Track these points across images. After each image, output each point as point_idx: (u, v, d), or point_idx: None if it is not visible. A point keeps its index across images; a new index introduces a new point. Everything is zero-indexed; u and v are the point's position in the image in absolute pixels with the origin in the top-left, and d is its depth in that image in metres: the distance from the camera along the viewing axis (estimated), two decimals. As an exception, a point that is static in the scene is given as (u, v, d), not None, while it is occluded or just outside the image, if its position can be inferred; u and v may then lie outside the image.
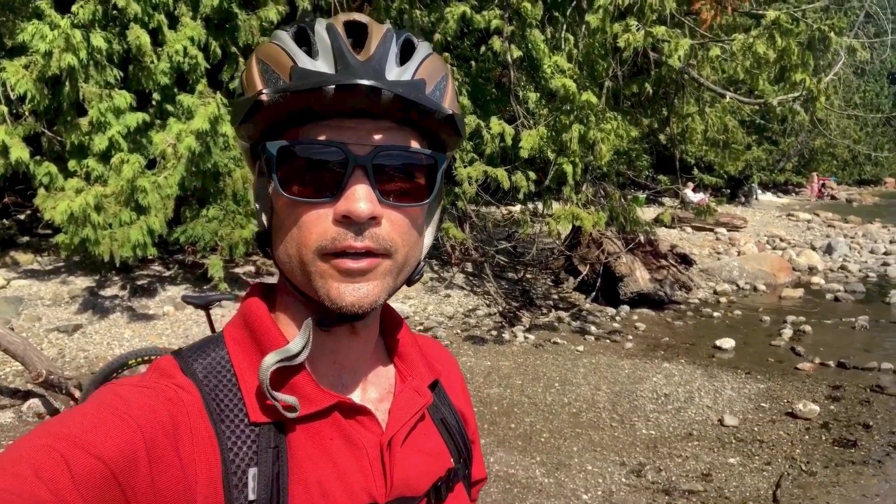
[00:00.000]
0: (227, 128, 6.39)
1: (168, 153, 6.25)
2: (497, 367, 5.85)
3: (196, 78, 6.81)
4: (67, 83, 6.00)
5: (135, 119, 6.36)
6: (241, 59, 7.57)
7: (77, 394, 3.82)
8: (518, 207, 8.23)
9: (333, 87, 0.59)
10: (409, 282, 0.74)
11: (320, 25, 0.65)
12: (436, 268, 8.81)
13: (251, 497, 0.62)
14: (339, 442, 0.69)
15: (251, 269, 7.84)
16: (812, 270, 10.99)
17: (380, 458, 0.70)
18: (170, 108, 6.78)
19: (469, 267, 8.46)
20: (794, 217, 16.54)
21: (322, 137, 0.63)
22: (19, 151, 5.87)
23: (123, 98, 6.30)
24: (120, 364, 3.47)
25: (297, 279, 0.66)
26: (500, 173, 7.09)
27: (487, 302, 7.75)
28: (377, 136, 0.64)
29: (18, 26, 5.90)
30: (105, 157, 6.21)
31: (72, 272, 6.97)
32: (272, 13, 7.75)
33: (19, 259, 7.15)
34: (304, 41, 0.64)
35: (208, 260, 6.58)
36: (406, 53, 0.66)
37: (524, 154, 6.99)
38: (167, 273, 7.30)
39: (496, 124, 7.04)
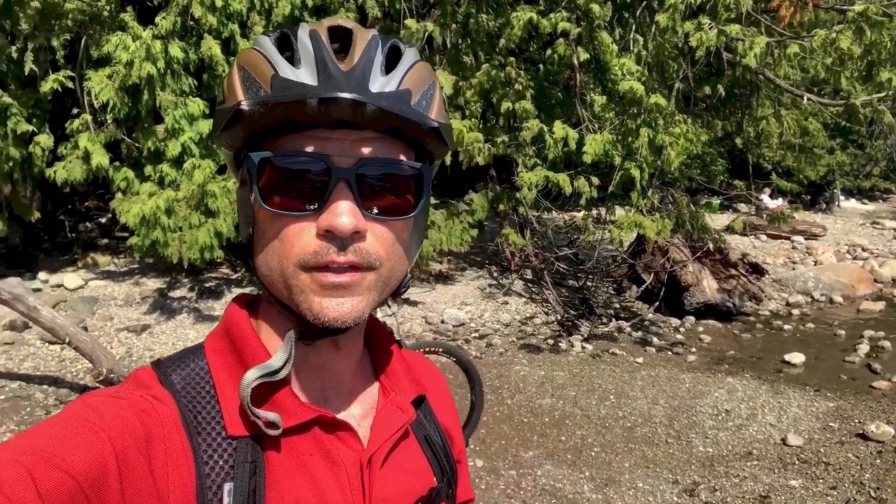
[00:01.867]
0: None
1: (236, 159, 6.48)
2: (551, 377, 5.77)
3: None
4: (146, 91, 6.30)
5: (207, 125, 6.60)
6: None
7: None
8: (581, 213, 8.10)
9: (320, 99, 0.58)
10: (395, 294, 0.73)
11: (303, 31, 0.63)
12: (495, 274, 8.78)
13: None
14: (319, 458, 0.67)
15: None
16: (896, 282, 10.34)
17: (359, 476, 0.69)
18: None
19: (528, 274, 8.38)
20: (880, 225, 15.60)
21: (305, 149, 0.62)
22: (100, 157, 6.20)
23: (197, 105, 6.55)
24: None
25: (279, 292, 0.65)
26: (562, 178, 7.00)
27: (546, 310, 7.66)
28: (362, 149, 0.62)
29: (104, 38, 6.25)
30: (178, 162, 6.47)
31: (145, 274, 7.32)
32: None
33: (98, 260, 7.56)
34: (287, 48, 0.63)
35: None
36: (392, 61, 0.64)
37: (588, 159, 6.90)
38: (234, 276, 7.56)
39: (559, 128, 6.97)
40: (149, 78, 6.11)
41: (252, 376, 0.62)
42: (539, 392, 5.43)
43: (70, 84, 6.11)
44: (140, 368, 0.67)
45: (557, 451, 4.45)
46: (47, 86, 5.90)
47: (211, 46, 6.50)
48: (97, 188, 8.11)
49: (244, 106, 0.60)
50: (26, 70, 5.83)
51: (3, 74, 5.93)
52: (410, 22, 7.95)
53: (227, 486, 0.61)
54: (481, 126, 8.28)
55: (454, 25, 7.94)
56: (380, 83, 0.61)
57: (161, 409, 0.61)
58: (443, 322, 7.04)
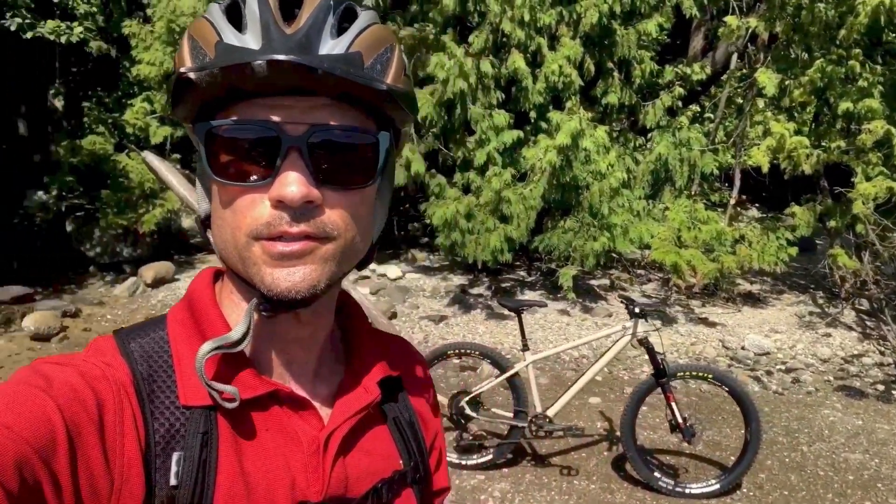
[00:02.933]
0: (588, 142, 6.57)
1: (536, 167, 6.71)
2: (870, 428, 4.76)
3: (568, 95, 7.14)
4: (459, 105, 6.91)
5: (511, 136, 6.97)
6: (615, 74, 7.68)
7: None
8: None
9: (258, 63, 0.56)
10: (360, 266, 0.71)
11: None
12: (820, 301, 7.56)
13: (173, 482, 0.60)
14: (275, 433, 0.66)
15: (605, 282, 7.88)
16: None
17: (318, 454, 0.67)
18: (543, 125, 7.25)
19: (864, 304, 7.03)
20: None
21: (254, 117, 0.60)
22: (418, 165, 6.99)
23: (502, 117, 6.96)
24: (439, 353, 3.90)
25: (234, 264, 0.64)
26: (912, 191, 5.74)
27: (882, 349, 6.34)
28: (313, 115, 0.60)
29: (427, 60, 7.04)
30: (483, 170, 6.97)
31: (452, 271, 8.02)
32: (651, 26, 7.67)
33: (416, 256, 8.52)
34: (236, 15, 0.61)
35: (560, 270, 6.85)
36: (345, 24, 0.62)
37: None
38: (529, 279, 7.83)
39: (914, 130, 5.73)
40: (461, 93, 6.69)
41: (207, 348, 0.62)
42: (848, 444, 4.53)
43: (398, 101, 7.00)
44: (100, 336, 0.68)
45: (856, 518, 3.66)
46: (379, 104, 6.84)
47: (516, 60, 6.84)
48: (417, 192, 9.15)
49: (186, 73, 0.59)
50: (365, 91, 6.84)
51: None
52: (731, 19, 7.31)
53: (176, 455, 0.61)
54: (811, 129, 7.22)
55: (784, 19, 7.07)
56: (328, 46, 0.59)
57: (113, 375, 0.61)
58: (743, 349, 6.32)
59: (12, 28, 5.76)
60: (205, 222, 0.70)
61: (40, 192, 8.48)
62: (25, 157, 9.73)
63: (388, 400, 0.77)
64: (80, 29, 6.45)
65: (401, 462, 0.75)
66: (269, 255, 0.60)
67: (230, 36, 0.59)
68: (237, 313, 0.69)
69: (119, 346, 0.65)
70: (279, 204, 0.59)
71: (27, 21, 5.82)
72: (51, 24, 6.00)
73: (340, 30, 0.61)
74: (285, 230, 0.59)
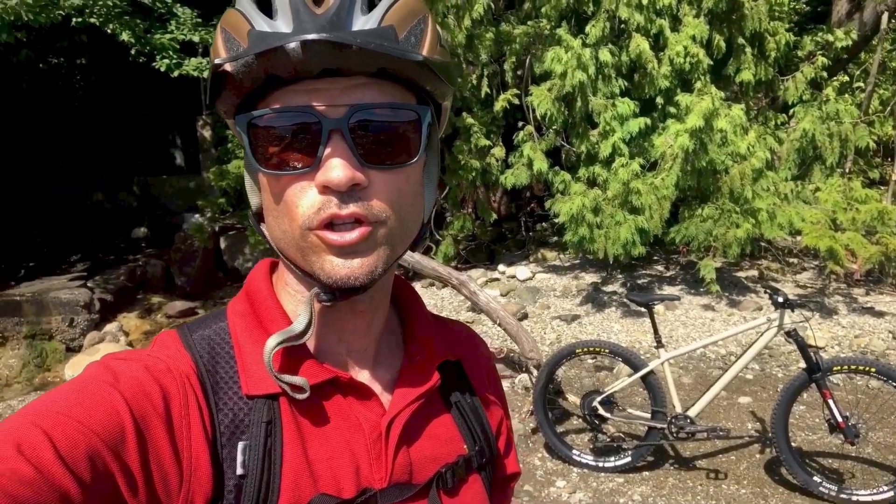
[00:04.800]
0: (722, 123, 6.16)
1: (666, 154, 6.39)
2: None
3: (696, 76, 6.74)
4: (579, 98, 6.73)
5: (636, 125, 6.68)
6: (747, 50, 7.15)
7: (535, 372, 4.32)
8: None
9: (290, 45, 0.55)
10: (413, 248, 0.70)
11: None
12: None
13: (239, 471, 0.61)
14: (338, 421, 0.67)
15: (754, 273, 7.33)
16: None
17: (381, 440, 0.68)
18: (671, 109, 6.89)
19: None
20: None
21: (291, 103, 0.60)
22: (540, 163, 6.89)
23: (626, 106, 6.70)
24: (568, 352, 3.78)
25: (292, 255, 0.64)
26: None
27: None
28: (351, 95, 0.60)
29: (543, 56, 6.93)
30: (609, 162, 6.73)
31: (584, 269, 7.82)
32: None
33: (546, 256, 8.40)
34: (266, 2, 0.60)
35: (700, 262, 6.46)
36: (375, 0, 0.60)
37: None
38: (667, 273, 7.46)
39: None
40: (580, 85, 6.51)
41: (274, 342, 0.63)
42: None
43: (516, 101, 6.95)
44: (164, 331, 0.70)
45: None
46: (499, 105, 6.83)
47: (639, 44, 6.56)
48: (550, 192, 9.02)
49: (222, 65, 0.59)
50: (482, 93, 6.86)
51: (467, 99, 7.10)
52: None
53: (241, 444, 0.62)
54: None
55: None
56: (360, 22, 0.58)
57: (178, 368, 0.63)
58: (919, 339, 5.62)
59: (162, 69, 6.36)
60: (257, 215, 0.71)
61: (196, 216, 9.29)
62: (183, 184, 10.73)
63: (449, 386, 0.77)
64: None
65: (465, 447, 0.75)
66: (326, 244, 0.60)
67: (261, 23, 0.58)
68: (294, 303, 0.70)
69: (182, 339, 0.67)
70: (326, 189, 0.59)
71: (174, 61, 6.40)
72: (193, 62, 6.56)
73: (371, 5, 0.59)
74: (335, 213, 0.59)
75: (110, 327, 7.42)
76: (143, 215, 10.57)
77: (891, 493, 3.28)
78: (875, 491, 3.32)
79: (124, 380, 0.58)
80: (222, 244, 9.38)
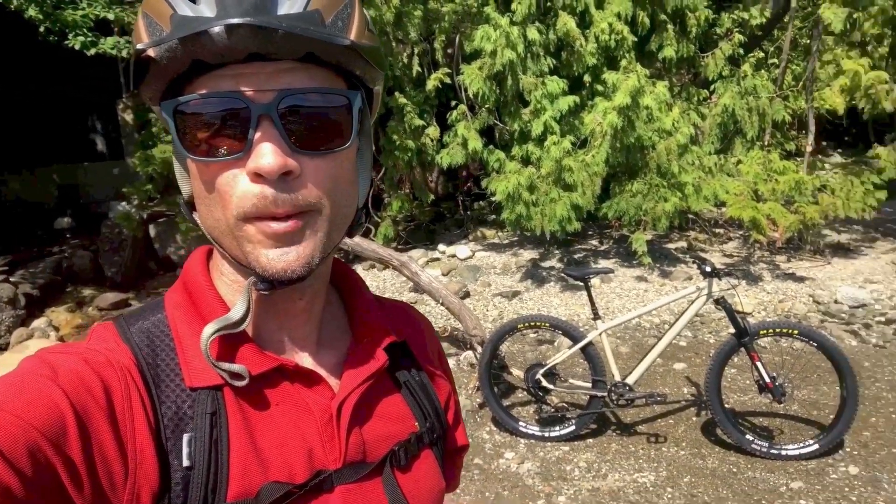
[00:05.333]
0: (648, 100, 6.32)
1: (596, 132, 6.52)
2: None
3: (622, 54, 6.89)
4: (509, 77, 6.78)
5: (566, 103, 6.78)
6: (669, 26, 7.36)
7: (479, 349, 4.38)
8: None
9: (215, 30, 0.55)
10: (350, 233, 0.70)
11: None
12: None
13: (186, 463, 0.61)
14: (286, 407, 0.67)
15: (683, 244, 7.60)
16: None
17: (332, 423, 0.68)
18: (599, 87, 7.03)
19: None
20: None
21: (220, 88, 0.58)
22: (474, 142, 6.92)
23: (556, 84, 6.79)
24: (511, 327, 3.84)
25: (227, 244, 0.63)
26: None
27: None
28: (280, 80, 0.59)
29: (473, 34, 6.93)
30: (541, 140, 6.81)
31: (522, 246, 7.92)
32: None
33: (486, 234, 8.46)
34: None
35: (632, 235, 6.65)
36: None
37: None
38: (602, 247, 7.65)
39: None
40: (510, 63, 6.55)
41: (210, 329, 0.62)
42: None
43: (448, 80, 6.93)
44: (100, 323, 0.68)
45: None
46: (431, 84, 6.80)
47: (566, 22, 6.64)
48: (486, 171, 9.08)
49: (145, 50, 0.58)
50: (414, 72, 6.81)
51: (399, 79, 7.04)
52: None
53: (186, 437, 0.61)
54: (888, 63, 6.70)
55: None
56: (286, 6, 0.57)
57: (118, 361, 0.61)
58: (836, 302, 5.96)
59: (77, 47, 6.00)
60: (189, 204, 0.70)
61: (123, 204, 8.90)
62: (106, 171, 10.25)
63: (397, 365, 0.78)
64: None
65: (416, 424, 0.76)
66: (263, 234, 0.60)
67: (184, 7, 0.57)
68: (232, 292, 0.69)
69: (120, 332, 0.66)
70: (257, 177, 0.58)
71: (89, 39, 6.05)
72: (111, 40, 6.22)
73: None
74: (272, 212, 0.59)
75: (38, 323, 7.05)
76: (65, 205, 10.06)
77: (816, 447, 3.50)
78: (802, 445, 3.54)
79: (63, 373, 0.57)
80: (152, 232, 9.03)
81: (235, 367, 0.63)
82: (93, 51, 6.15)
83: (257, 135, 0.57)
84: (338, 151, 0.62)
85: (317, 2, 0.58)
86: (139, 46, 0.58)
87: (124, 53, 6.34)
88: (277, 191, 0.58)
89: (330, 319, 0.76)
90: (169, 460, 0.60)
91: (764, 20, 8.01)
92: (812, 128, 7.22)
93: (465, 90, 7.01)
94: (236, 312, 0.64)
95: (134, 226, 8.21)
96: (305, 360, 0.71)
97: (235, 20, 0.54)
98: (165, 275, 8.68)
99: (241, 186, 0.59)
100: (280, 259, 0.60)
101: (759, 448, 3.54)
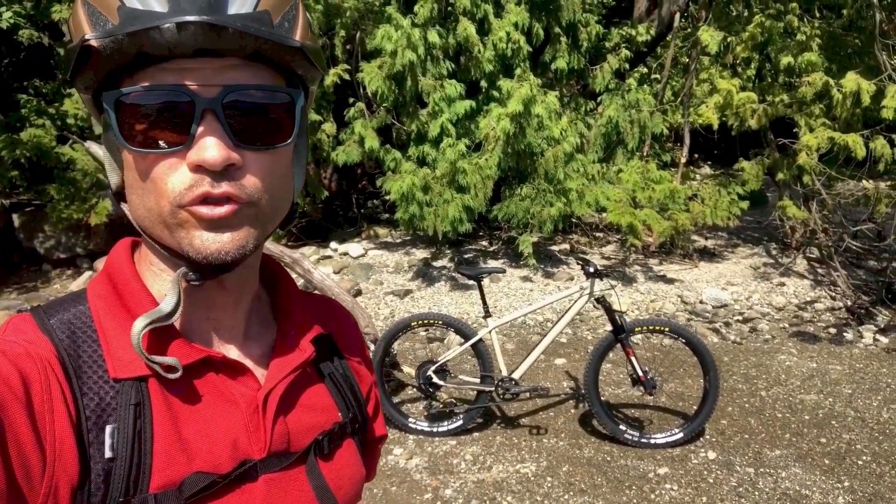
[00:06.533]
0: (539, 109, 6.59)
1: (489, 136, 6.72)
2: (823, 370, 4.96)
3: (517, 62, 7.14)
4: (409, 78, 6.84)
5: (463, 107, 6.95)
6: (563, 39, 7.69)
7: (372, 347, 4.43)
8: (871, 184, 6.77)
9: (167, 26, 0.55)
10: (283, 226, 0.72)
11: None
12: (773, 252, 7.79)
13: (108, 454, 0.60)
14: (212, 398, 0.68)
15: (566, 246, 7.98)
16: None
17: (257, 414, 0.69)
18: (495, 93, 7.24)
19: (814, 252, 7.27)
20: None
21: (164, 82, 0.59)
22: (371, 141, 6.94)
23: (454, 87, 6.93)
24: (403, 325, 3.91)
25: (157, 233, 0.63)
26: (852, 139, 5.92)
27: (832, 294, 6.58)
28: (225, 76, 0.60)
29: (374, 32, 6.94)
30: (437, 142, 6.93)
31: (415, 245, 8.02)
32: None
33: (379, 232, 8.49)
34: None
35: (520, 237, 6.91)
36: None
37: (889, 115, 5.74)
38: (491, 248, 7.88)
39: (850, 81, 5.88)
40: (410, 65, 6.62)
41: (141, 324, 0.62)
42: (804, 386, 4.71)
43: (347, 76, 6.91)
44: (16, 315, 0.67)
45: (812, 454, 3.83)
46: (329, 79, 6.75)
47: (466, 27, 6.80)
48: (374, 169, 9.08)
49: (91, 40, 0.57)
50: (313, 67, 6.72)
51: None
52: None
53: (109, 428, 0.61)
54: (755, 85, 7.37)
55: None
56: (236, 5, 0.58)
57: (37, 352, 0.60)
58: (701, 302, 6.49)
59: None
60: (118, 194, 0.70)
61: (-19, 191, 8.18)
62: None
63: (322, 357, 0.80)
64: (9, 14, 6.16)
65: (339, 414, 0.78)
66: (196, 219, 0.61)
67: None
68: (159, 283, 0.69)
69: (38, 323, 0.64)
70: (199, 168, 0.59)
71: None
72: (5, 14, 5.72)
73: None
74: (207, 192, 0.59)
75: None
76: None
77: (681, 435, 3.81)
78: (668, 434, 3.84)
79: None
80: (16, 222, 8.35)
81: (168, 359, 0.63)
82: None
83: (201, 129, 0.59)
84: (278, 148, 0.64)
85: (265, 2, 0.60)
86: (87, 37, 0.57)
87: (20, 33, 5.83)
88: (217, 178, 0.59)
89: (257, 311, 0.77)
90: (89, 452, 0.60)
91: (649, 38, 8.55)
92: (687, 141, 7.79)
93: (364, 88, 7.01)
94: (167, 305, 0.64)
95: (-3, 214, 7.58)
96: (232, 351, 0.72)
97: (190, 18, 0.55)
98: (29, 268, 8.05)
99: (178, 175, 0.60)
100: (214, 241, 0.61)
101: (630, 437, 3.81)
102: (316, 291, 6.10)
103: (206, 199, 0.60)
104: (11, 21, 6.06)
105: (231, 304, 0.72)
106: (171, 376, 0.63)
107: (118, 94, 0.60)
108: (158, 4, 0.56)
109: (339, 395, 0.80)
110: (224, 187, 0.60)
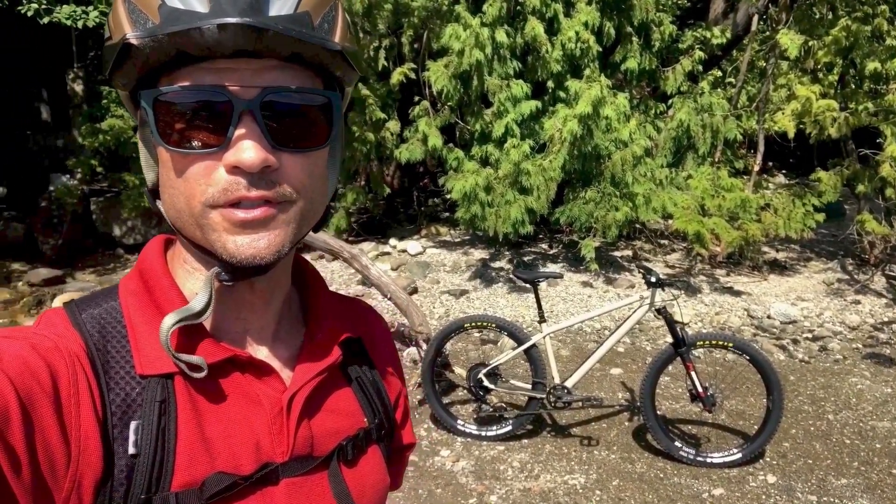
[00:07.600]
0: (608, 110, 6.45)
1: (555, 138, 6.62)
2: (900, 396, 4.67)
3: (586, 62, 7.01)
4: (475, 77, 6.82)
5: (528, 107, 6.87)
6: (634, 39, 7.51)
7: (424, 346, 4.43)
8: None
9: (208, 27, 0.55)
10: (316, 228, 0.71)
11: None
12: (850, 268, 7.40)
13: (132, 451, 0.61)
14: (236, 399, 0.67)
15: (629, 253, 7.79)
16: None
17: (281, 416, 0.68)
18: (561, 94, 7.13)
19: (894, 270, 6.87)
20: None
21: (203, 82, 0.59)
22: (434, 139, 6.95)
23: (520, 87, 6.86)
24: (456, 326, 3.89)
25: (190, 232, 0.63)
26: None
27: (913, 315, 6.20)
28: (263, 77, 0.59)
29: (442, 31, 6.94)
30: (501, 142, 6.88)
31: (474, 245, 7.99)
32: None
33: (439, 231, 8.51)
34: None
35: (582, 241, 6.79)
36: None
37: None
38: (551, 251, 7.78)
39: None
40: (478, 64, 6.60)
41: (171, 321, 0.62)
42: (876, 412, 4.45)
43: (413, 75, 6.94)
44: (50, 309, 0.68)
45: (883, 485, 3.60)
46: (395, 78, 6.80)
47: (534, 27, 6.72)
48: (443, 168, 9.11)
49: (131, 39, 0.57)
50: (379, 65, 6.79)
51: (363, 70, 7.02)
52: (754, -22, 7.08)
53: (134, 424, 0.61)
54: (837, 92, 7.00)
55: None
56: (277, 6, 0.58)
57: (66, 346, 0.61)
58: (768, 317, 6.22)
59: (29, 14, 5.81)
60: (153, 191, 0.70)
61: (66, 177, 8.61)
62: (50, 141, 9.88)
63: (350, 361, 0.79)
64: (96, 13, 6.47)
65: (365, 420, 0.77)
66: (229, 223, 0.60)
67: None
68: (191, 282, 0.69)
69: (70, 317, 0.65)
70: (235, 170, 0.59)
71: (43, 6, 5.86)
72: (66, 9, 6.03)
73: None
74: (243, 195, 0.59)
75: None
76: (2, 173, 9.66)
77: (739, 455, 3.65)
78: (727, 454, 3.69)
79: (8, 358, 0.56)
80: (93, 208, 8.77)
81: (195, 358, 0.63)
82: (46, 19, 5.95)
83: (239, 130, 0.58)
84: (315, 150, 0.64)
85: (305, 3, 0.59)
86: (128, 36, 0.57)
87: (79, 24, 6.14)
88: (254, 180, 0.59)
89: (287, 313, 0.76)
90: (114, 448, 0.60)
91: (725, 40, 8.26)
92: (761, 148, 7.48)
93: (430, 87, 7.02)
94: (198, 303, 0.63)
95: (74, 200, 7.97)
96: (260, 352, 0.72)
97: (232, 19, 0.55)
98: (104, 253, 8.43)
99: (214, 177, 0.59)
100: (250, 245, 0.61)
101: (686, 455, 3.67)
102: (372, 288, 6.16)
103: (241, 203, 0.59)
104: (97, 20, 6.36)
105: (262, 304, 0.71)
106: (197, 375, 0.63)
107: (157, 92, 0.60)
108: (200, 4, 0.56)
109: (365, 400, 0.78)
110: (261, 191, 0.59)
